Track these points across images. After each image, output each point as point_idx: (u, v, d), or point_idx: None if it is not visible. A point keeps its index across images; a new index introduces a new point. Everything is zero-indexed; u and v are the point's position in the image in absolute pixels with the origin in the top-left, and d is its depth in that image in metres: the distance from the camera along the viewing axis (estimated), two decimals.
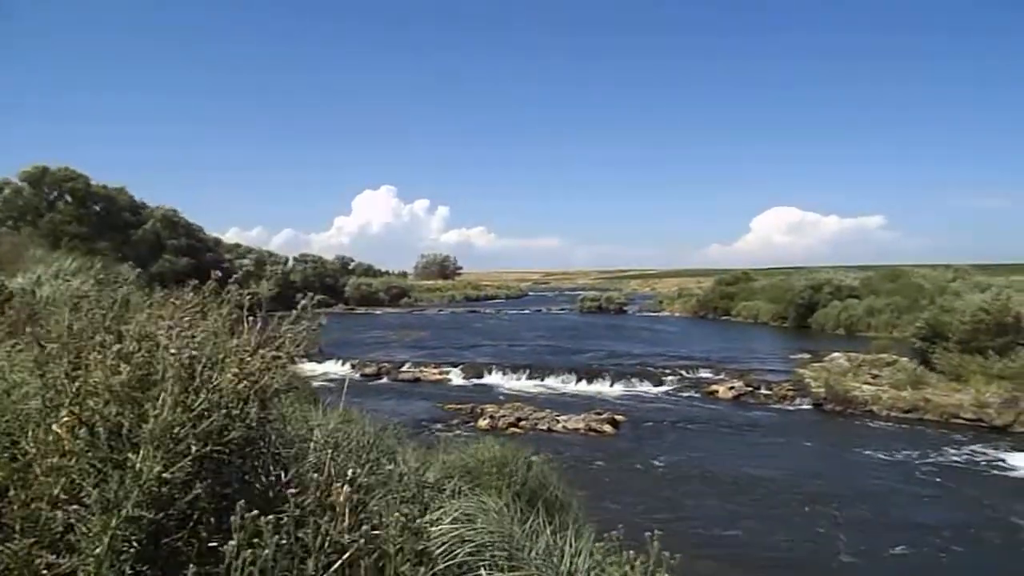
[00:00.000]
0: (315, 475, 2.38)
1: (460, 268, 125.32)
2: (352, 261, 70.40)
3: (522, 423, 16.01)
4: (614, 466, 12.94)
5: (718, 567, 8.38)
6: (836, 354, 22.41)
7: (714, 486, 11.79)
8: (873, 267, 53.86)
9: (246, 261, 56.20)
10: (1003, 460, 13.11)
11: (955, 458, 13.30)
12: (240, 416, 2.23)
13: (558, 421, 16.00)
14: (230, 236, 69.20)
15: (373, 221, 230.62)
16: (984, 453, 13.55)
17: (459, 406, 17.77)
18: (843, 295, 38.72)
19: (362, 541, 2.07)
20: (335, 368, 23.62)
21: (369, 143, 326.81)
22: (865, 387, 17.81)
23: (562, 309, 58.60)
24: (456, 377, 22.39)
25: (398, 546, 2.21)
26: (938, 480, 12.11)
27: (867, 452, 13.85)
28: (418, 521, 2.69)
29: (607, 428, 15.61)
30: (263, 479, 2.34)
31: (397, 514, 2.47)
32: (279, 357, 2.41)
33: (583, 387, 20.78)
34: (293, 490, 2.08)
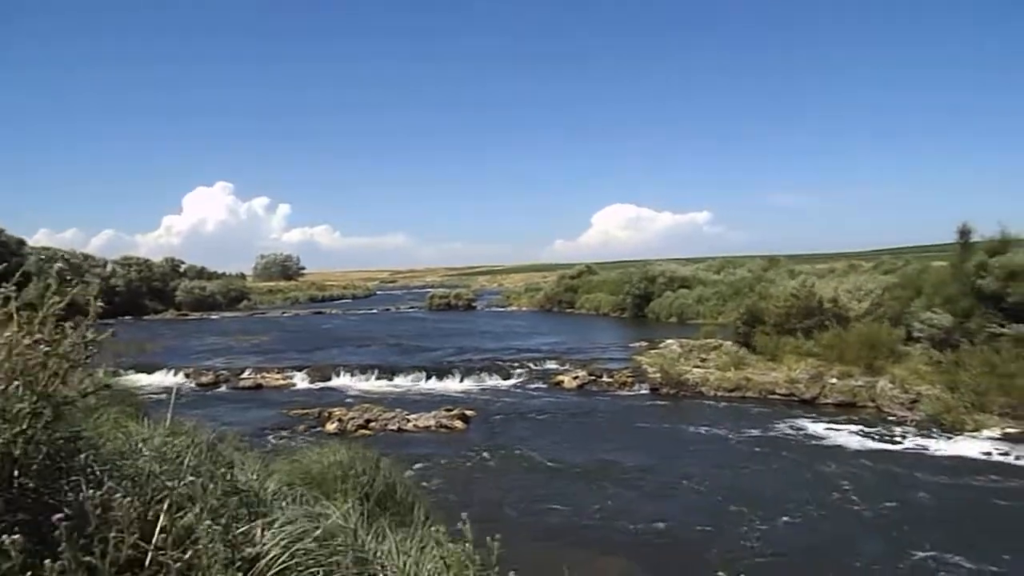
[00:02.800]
0: (124, 497, 2.18)
1: (303, 268, 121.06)
2: (183, 263, 65.64)
3: (372, 424, 15.72)
4: (465, 460, 13.03)
5: (561, 547, 8.68)
6: (670, 341, 23.97)
7: (561, 471, 12.19)
8: (702, 259, 58.05)
9: (59, 265, 50.75)
10: (807, 428, 14.61)
11: (771, 430, 14.62)
12: (29, 434, 1.99)
13: (408, 420, 15.86)
14: (38, 239, 62.25)
15: (207, 220, 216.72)
16: (795, 424, 15.02)
17: (305, 411, 17.13)
18: (675, 286, 41.39)
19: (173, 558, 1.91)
20: (166, 379, 21.97)
21: (202, 137, 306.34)
22: (695, 370, 19.18)
23: (411, 307, 58.17)
24: (301, 381, 21.57)
25: (213, 559, 2.08)
26: (756, 450, 13.29)
27: (698, 429, 14.91)
28: (250, 532, 2.55)
29: (458, 424, 15.69)
30: (73, 500, 2.11)
31: (209, 523, 2.33)
32: (70, 363, 2.17)
33: (433, 384, 20.76)
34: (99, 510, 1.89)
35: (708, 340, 22.81)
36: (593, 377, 20.22)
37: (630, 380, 19.67)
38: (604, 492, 11.03)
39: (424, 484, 11.13)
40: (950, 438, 13.60)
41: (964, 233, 22.98)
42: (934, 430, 14.11)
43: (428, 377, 21.23)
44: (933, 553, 8.36)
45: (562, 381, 20.24)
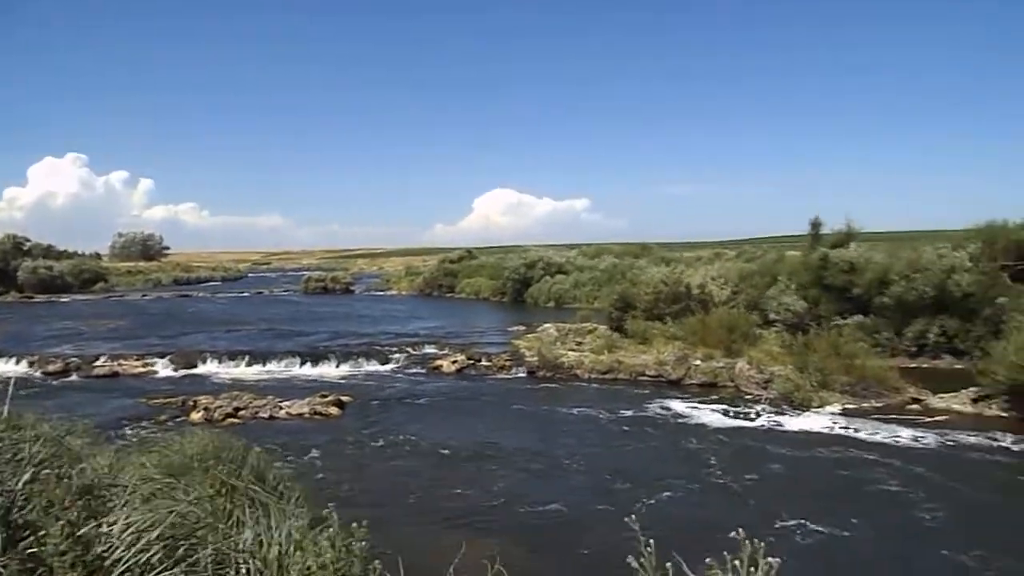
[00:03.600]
0: None
1: (167, 248, 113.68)
2: (28, 241, 59.85)
3: (241, 413, 15.06)
4: (341, 447, 12.77)
5: (440, 531, 8.70)
6: (547, 325, 24.51)
7: (440, 456, 12.19)
8: (579, 245, 59.61)
9: None
10: (674, 408, 15.40)
11: (643, 410, 15.28)
12: None
13: (281, 407, 15.33)
14: None
15: (57, 194, 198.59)
16: (664, 404, 15.78)
17: (167, 400, 16.17)
18: (553, 271, 42.31)
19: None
20: (5, 367, 20.06)
21: (49, 102, 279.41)
22: (571, 353, 19.72)
23: (285, 290, 56.12)
24: (164, 368, 20.31)
25: (60, 557, 1.93)
26: (630, 429, 13.87)
27: (574, 411, 15.36)
28: (92, 527, 2.37)
29: (333, 410, 15.33)
30: None
31: (61, 523, 2.15)
32: None
33: (308, 370, 20.17)
34: None
35: (583, 324, 23.50)
36: (472, 361, 20.34)
37: (508, 364, 19.94)
38: (485, 474, 11.15)
39: (296, 473, 10.83)
40: (799, 414, 14.75)
41: (815, 226, 25.00)
42: (785, 407, 15.25)
43: (303, 363, 20.59)
44: (792, 519, 9.04)
45: (441, 365, 20.22)
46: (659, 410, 15.34)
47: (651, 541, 2.50)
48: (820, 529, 8.79)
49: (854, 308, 21.55)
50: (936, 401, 15.03)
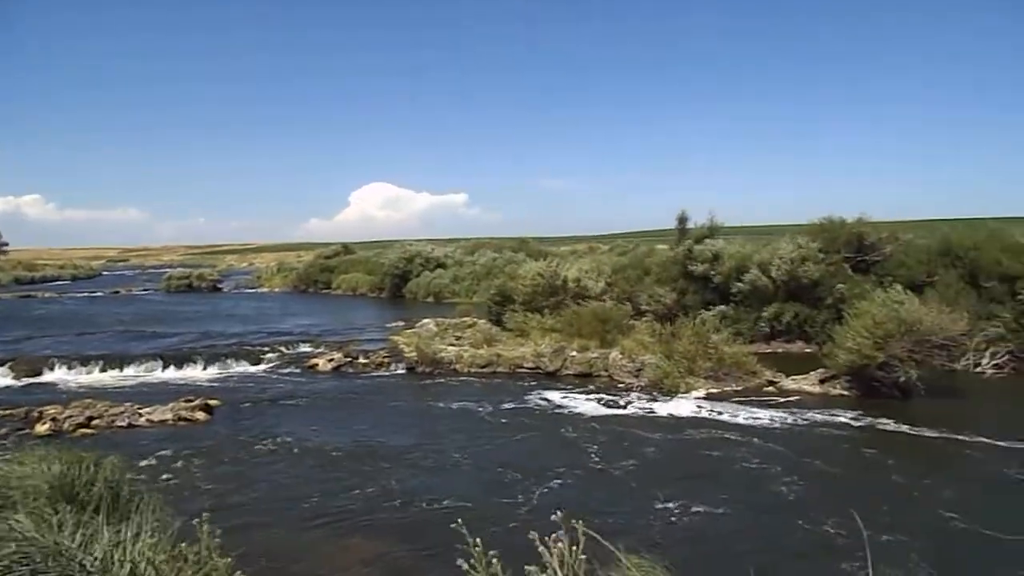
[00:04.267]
0: None
1: (6, 245, 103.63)
2: None
3: (95, 422, 13.93)
4: (209, 453, 12.08)
5: (319, 535, 8.45)
6: (426, 320, 24.34)
7: (317, 457, 11.81)
8: (459, 239, 59.68)
9: None
10: (553, 399, 15.75)
11: (522, 402, 15.51)
12: None
13: (140, 415, 14.33)
14: None
15: None
16: (542, 395, 16.09)
17: (8, 412, 14.68)
18: (432, 266, 42.11)
19: None
20: None
21: None
22: (450, 348, 19.70)
23: (145, 289, 52.51)
24: (3, 377, 18.46)
25: None
26: (511, 421, 14.00)
27: (455, 405, 15.34)
28: None
29: (199, 415, 14.50)
30: None
31: None
32: None
33: (172, 374, 18.97)
34: None
35: (463, 319, 23.57)
36: (349, 359, 19.87)
37: (387, 360, 19.65)
38: (367, 474, 10.90)
39: (158, 484, 10.18)
40: (668, 399, 15.48)
41: (682, 220, 26.26)
42: (655, 393, 15.97)
43: (165, 366, 19.34)
44: (670, 501, 9.47)
45: (317, 364, 19.62)
46: (538, 401, 15.63)
47: (478, 540, 2.52)
48: (694, 508, 9.25)
49: (717, 298, 22.90)
50: (789, 383, 16.23)
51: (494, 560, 2.69)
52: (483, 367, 18.77)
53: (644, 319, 21.98)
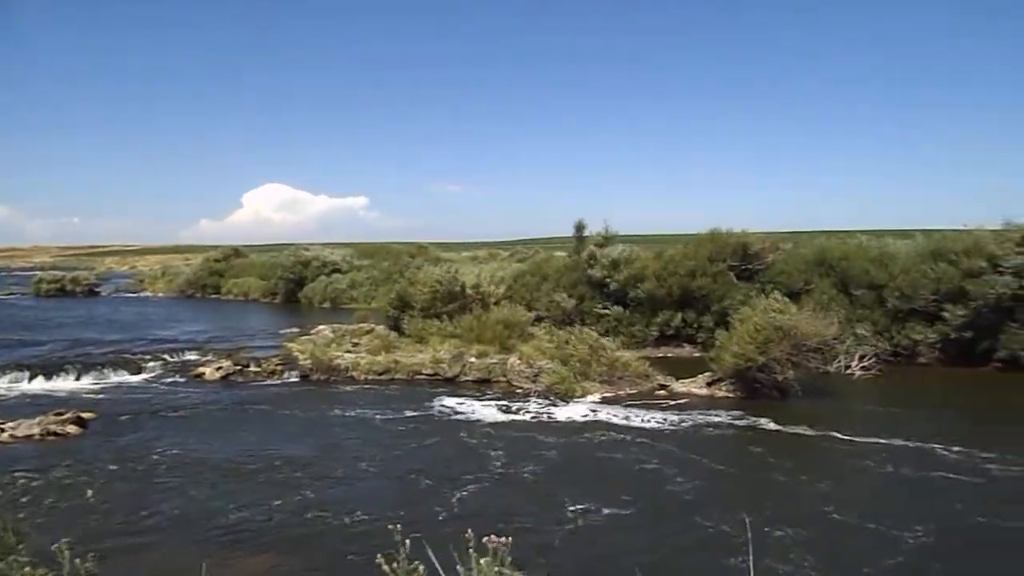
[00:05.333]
0: None
1: None
2: None
3: None
4: (80, 470, 11.24)
5: (204, 553, 8.02)
6: (322, 326, 23.69)
7: (202, 472, 11.22)
8: (358, 244, 58.62)
9: None
10: (452, 405, 15.70)
11: (421, 409, 15.36)
12: None
13: (3, 430, 13.18)
14: None
15: None
16: (441, 402, 16.00)
17: None
18: (329, 270, 41.09)
19: None
20: None
21: None
22: (347, 355, 19.28)
23: (10, 293, 48.39)
24: None
25: None
26: (409, 428, 13.84)
27: (352, 413, 15.01)
28: None
29: (71, 429, 13.49)
30: None
31: None
32: None
33: (40, 385, 17.57)
34: None
35: (360, 325, 23.10)
36: (239, 367, 19.05)
37: (280, 368, 18.98)
38: (259, 488, 10.46)
39: (21, 506, 9.39)
40: (565, 404, 15.75)
41: (579, 228, 26.85)
42: (552, 398, 16.21)
43: (32, 376, 17.89)
44: (573, 504, 9.63)
45: (203, 373, 18.70)
46: (438, 408, 15.53)
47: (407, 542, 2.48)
48: (595, 510, 9.47)
49: (613, 303, 23.54)
50: (679, 386, 16.88)
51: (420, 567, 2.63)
52: (381, 374, 18.47)
53: (542, 325, 22.30)
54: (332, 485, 10.68)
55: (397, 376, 18.46)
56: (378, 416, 14.81)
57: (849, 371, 18.79)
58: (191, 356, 20.47)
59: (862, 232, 28.74)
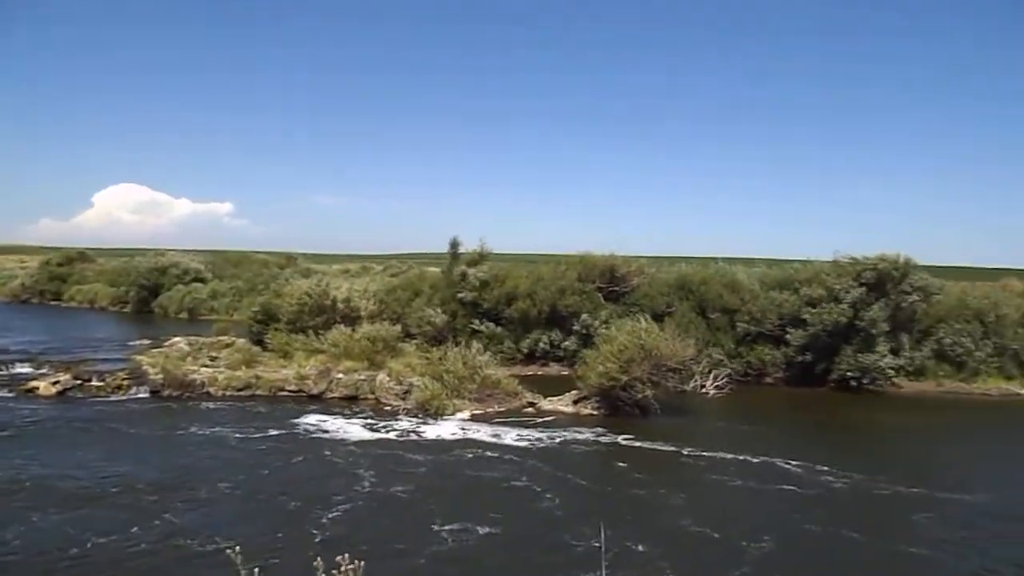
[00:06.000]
0: None
1: None
2: None
3: None
4: None
5: None
6: (177, 339, 22.27)
7: (36, 497, 10.13)
8: (221, 252, 55.76)
9: None
10: (317, 423, 15.16)
11: (283, 427, 14.70)
12: None
13: None
14: None
15: None
16: (305, 419, 15.39)
17: None
18: (188, 279, 38.75)
19: None
20: None
21: None
22: (203, 370, 18.18)
23: None
24: None
25: None
26: (265, 448, 13.19)
27: (207, 432, 14.13)
28: None
29: None
30: None
31: None
32: None
33: None
34: None
35: (221, 338, 21.92)
36: (79, 381, 17.47)
37: (127, 383, 17.58)
38: (107, 515, 9.55)
39: None
40: (435, 422, 15.64)
41: (454, 245, 26.87)
42: (423, 415, 16.04)
43: None
44: (446, 523, 9.55)
45: (37, 388, 17.00)
46: (303, 426, 14.93)
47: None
48: (464, 528, 9.43)
49: (485, 321, 23.70)
50: (547, 404, 17.22)
51: None
52: (240, 390, 17.55)
53: (414, 341, 22.09)
54: (190, 509, 9.98)
55: (258, 392, 17.61)
56: (237, 435, 14.04)
57: (704, 390, 19.90)
58: (23, 369, 18.58)
59: (719, 259, 30.69)
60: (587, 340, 20.88)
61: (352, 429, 14.88)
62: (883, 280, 21.62)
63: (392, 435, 14.60)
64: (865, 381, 20.80)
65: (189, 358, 19.37)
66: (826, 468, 12.65)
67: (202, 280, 38.94)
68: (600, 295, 23.77)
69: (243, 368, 18.30)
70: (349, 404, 17.16)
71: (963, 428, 17.93)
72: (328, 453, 13.07)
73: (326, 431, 14.67)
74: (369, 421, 15.57)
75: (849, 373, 20.86)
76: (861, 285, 21.45)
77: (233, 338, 21.85)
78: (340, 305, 22.02)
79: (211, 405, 16.64)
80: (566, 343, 22.61)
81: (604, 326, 20.11)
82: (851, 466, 12.81)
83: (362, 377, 17.92)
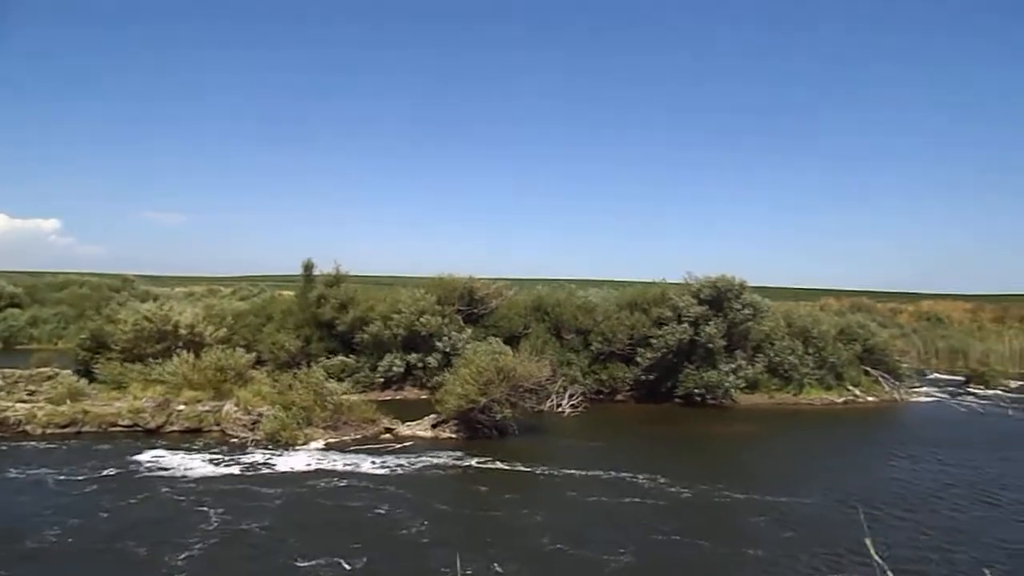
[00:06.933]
0: None
1: None
2: None
3: None
4: None
5: None
6: None
7: None
8: (46, 273, 50.62)
9: None
10: (152, 459, 14.01)
11: (112, 466, 13.43)
12: None
13: None
14: None
15: None
16: (137, 456, 14.16)
17: None
18: (3, 304, 34.86)
19: None
20: None
21: None
22: (19, 405, 16.30)
23: None
24: None
25: None
26: (92, 490, 11.98)
27: (21, 476, 12.64)
28: None
29: None
30: None
31: None
32: None
33: None
34: None
35: (41, 369, 19.81)
36: None
37: None
38: None
39: None
40: (287, 453, 14.93)
41: (308, 267, 26.01)
42: (273, 447, 15.27)
43: None
44: (303, 560, 9.08)
45: None
46: (138, 464, 13.74)
47: None
48: (327, 562, 9.04)
49: (341, 346, 23.07)
50: (405, 429, 16.97)
51: None
52: (65, 427, 15.90)
53: (265, 368, 21.10)
54: (17, 563, 8.85)
55: (86, 428, 16.05)
56: (63, 477, 12.66)
57: (560, 409, 20.44)
58: None
59: (572, 281, 31.83)
60: (447, 362, 20.86)
61: (195, 464, 13.89)
62: (720, 298, 23.29)
63: (240, 469, 13.77)
64: (709, 397, 22.23)
65: (3, 393, 17.34)
66: (673, 480, 13.35)
67: (18, 305, 35.12)
68: (460, 317, 23.85)
69: (67, 403, 16.58)
70: (192, 437, 16.03)
71: (791, 436, 19.58)
72: (169, 491, 12.11)
73: (166, 468, 13.60)
74: (214, 455, 14.60)
75: (695, 389, 22.23)
76: (701, 303, 22.99)
77: (56, 369, 19.83)
78: (183, 331, 20.63)
79: (31, 445, 14.95)
80: (424, 366, 22.45)
81: (464, 347, 20.18)
82: (695, 477, 13.60)
83: (206, 408, 16.80)
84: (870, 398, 24.46)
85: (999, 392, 27.42)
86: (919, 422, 21.40)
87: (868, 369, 25.69)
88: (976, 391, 27.74)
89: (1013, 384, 28.79)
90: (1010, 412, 22.95)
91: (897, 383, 25.51)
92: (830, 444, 18.31)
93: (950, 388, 28.47)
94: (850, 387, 24.67)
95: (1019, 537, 10.69)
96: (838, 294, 55.68)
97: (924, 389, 27.39)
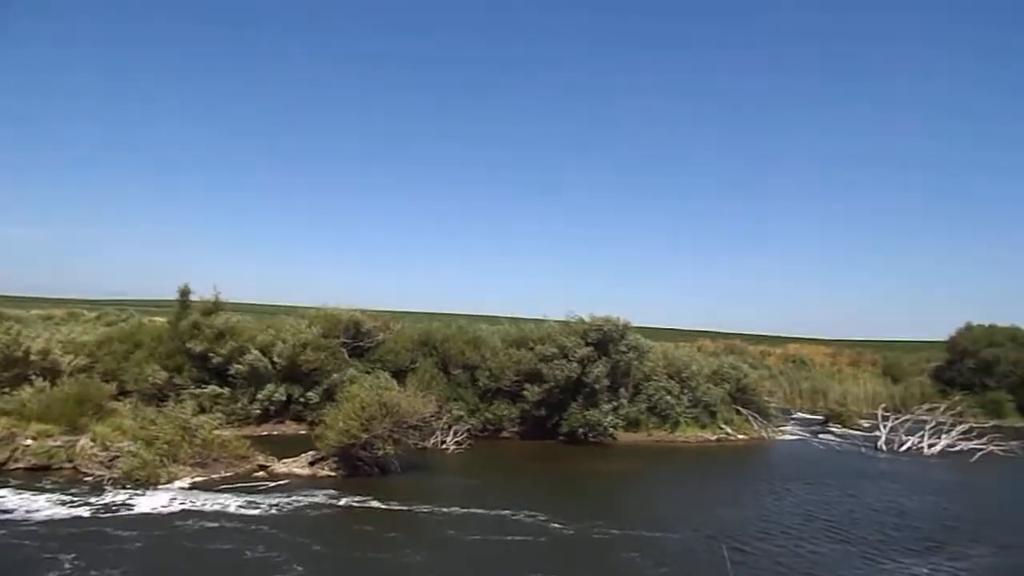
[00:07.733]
0: None
1: None
2: None
3: None
4: None
5: None
6: None
7: None
8: None
9: None
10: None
11: None
12: None
13: None
14: None
15: None
16: None
17: None
18: None
19: None
20: None
21: None
22: None
23: None
24: None
25: None
26: None
27: None
28: None
29: None
30: None
31: None
32: None
33: None
34: None
35: None
36: None
37: None
38: None
39: None
40: (148, 492, 13.88)
41: (184, 293, 24.62)
42: (132, 486, 14.16)
43: None
44: None
45: None
46: None
47: None
48: None
49: (214, 377, 21.86)
50: (280, 466, 16.20)
51: None
52: None
53: (129, 400, 19.68)
54: None
55: None
56: None
57: (444, 446, 20.20)
58: None
59: (462, 316, 31.82)
60: (329, 397, 20.20)
61: (42, 505, 12.67)
62: (606, 340, 23.93)
63: (94, 511, 12.65)
64: (591, 435, 22.63)
65: None
66: (553, 517, 13.44)
67: None
68: (345, 350, 23.25)
69: None
70: (38, 476, 14.63)
71: (667, 473, 20.21)
72: (8, 535, 10.96)
73: (6, 510, 12.32)
74: (65, 496, 13.36)
75: (579, 428, 22.60)
76: (588, 344, 23.53)
77: None
78: (35, 358, 18.95)
79: None
80: (304, 400, 21.64)
81: (349, 382, 19.62)
82: (575, 514, 13.75)
83: (58, 443, 15.37)
84: (741, 436, 25.71)
85: (853, 431, 29.62)
86: (784, 459, 22.68)
87: (739, 408, 27.03)
88: (834, 430, 29.90)
89: (865, 424, 31.08)
90: (862, 450, 24.74)
91: (765, 422, 26.98)
92: (704, 480, 19.02)
93: (812, 427, 30.46)
94: (723, 425, 25.86)
95: (868, 572, 11.45)
96: (714, 336, 58.65)
97: (789, 428, 29.11)
